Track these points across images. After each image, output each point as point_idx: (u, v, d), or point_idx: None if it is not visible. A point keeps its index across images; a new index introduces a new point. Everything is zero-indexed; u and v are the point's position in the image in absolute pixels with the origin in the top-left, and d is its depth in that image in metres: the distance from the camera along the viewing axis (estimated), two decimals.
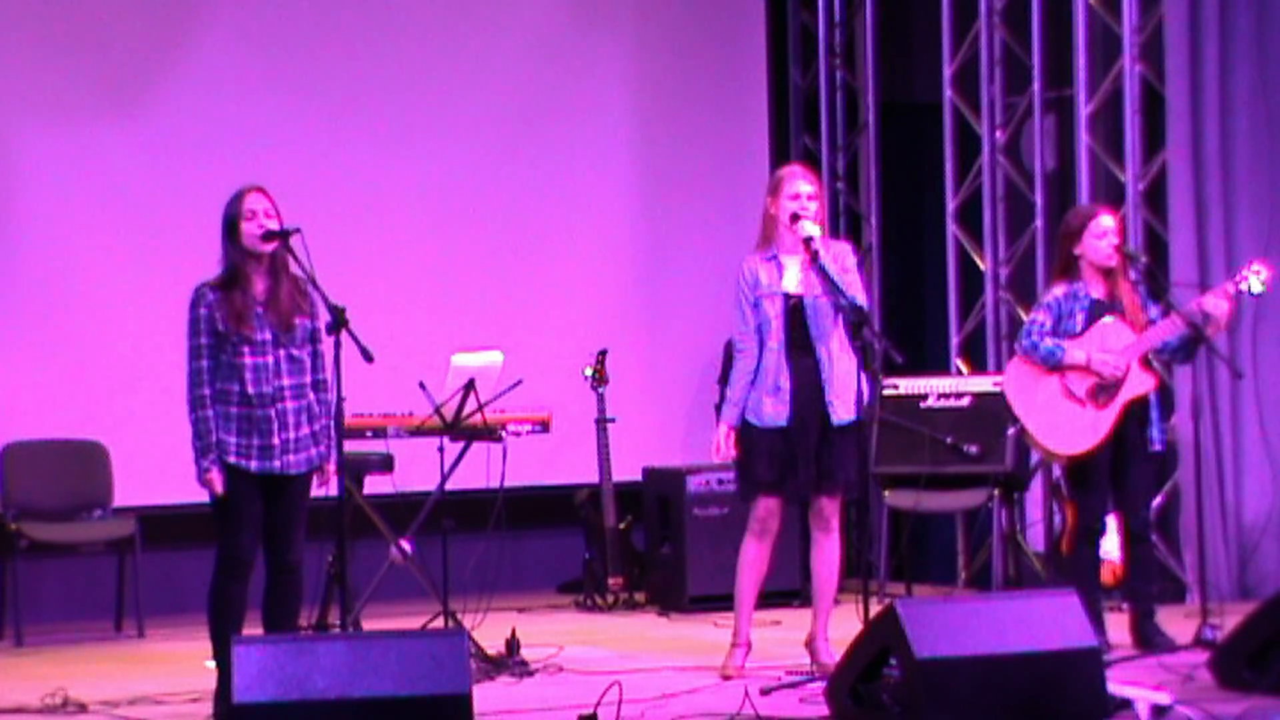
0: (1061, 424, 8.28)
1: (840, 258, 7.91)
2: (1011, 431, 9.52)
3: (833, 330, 7.88)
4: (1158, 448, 8.39)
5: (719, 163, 11.36)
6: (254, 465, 7.19)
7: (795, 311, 7.88)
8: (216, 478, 7.14)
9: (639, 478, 10.58)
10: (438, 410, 8.43)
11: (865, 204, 11.62)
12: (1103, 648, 7.30)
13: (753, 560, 8.02)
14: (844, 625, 7.93)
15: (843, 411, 7.86)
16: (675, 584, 10.15)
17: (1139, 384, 8.26)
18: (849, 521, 10.75)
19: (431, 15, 10.97)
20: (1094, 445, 8.23)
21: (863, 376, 7.88)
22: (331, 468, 7.33)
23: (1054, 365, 8.29)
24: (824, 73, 11.75)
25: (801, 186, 7.90)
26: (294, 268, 7.24)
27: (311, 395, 7.31)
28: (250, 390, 7.16)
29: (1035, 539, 10.30)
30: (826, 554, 8.02)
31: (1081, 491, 8.37)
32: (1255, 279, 8.21)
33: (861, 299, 7.80)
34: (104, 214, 10.28)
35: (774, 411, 7.86)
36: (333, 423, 7.32)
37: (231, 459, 7.16)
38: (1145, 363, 8.29)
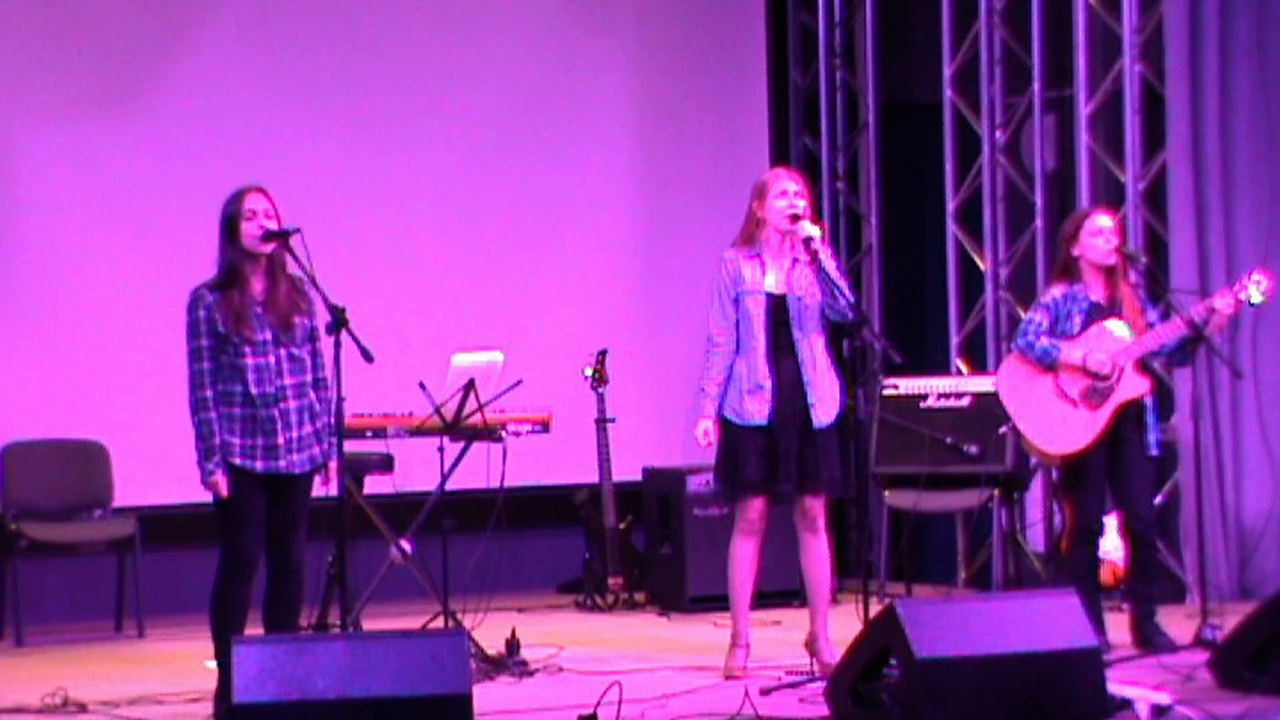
0: (1053, 423, 8.27)
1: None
2: (1003, 430, 9.52)
3: (816, 331, 7.88)
4: (1155, 452, 8.37)
5: (719, 163, 11.35)
6: (259, 466, 7.18)
7: (778, 310, 7.88)
8: (221, 480, 7.13)
9: (639, 478, 10.58)
10: (438, 410, 8.42)
11: (865, 204, 11.62)
12: (1103, 648, 7.30)
13: (745, 560, 8.02)
14: (844, 625, 7.94)
15: (823, 414, 7.87)
16: (675, 584, 10.15)
17: (1133, 387, 8.24)
18: (848, 521, 10.75)
19: (431, 15, 10.96)
20: (1084, 446, 8.21)
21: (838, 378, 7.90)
22: (334, 466, 7.32)
23: (1050, 364, 8.28)
24: (824, 73, 11.75)
25: (788, 184, 7.91)
26: (292, 267, 7.23)
27: (312, 394, 7.31)
28: (253, 391, 7.15)
29: (1035, 539, 10.30)
30: (816, 554, 8.02)
31: (1077, 493, 8.34)
32: (1255, 289, 8.18)
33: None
34: (104, 214, 10.28)
35: (756, 410, 7.87)
36: (333, 421, 7.31)
37: (237, 460, 7.15)
38: (1140, 366, 8.28)
